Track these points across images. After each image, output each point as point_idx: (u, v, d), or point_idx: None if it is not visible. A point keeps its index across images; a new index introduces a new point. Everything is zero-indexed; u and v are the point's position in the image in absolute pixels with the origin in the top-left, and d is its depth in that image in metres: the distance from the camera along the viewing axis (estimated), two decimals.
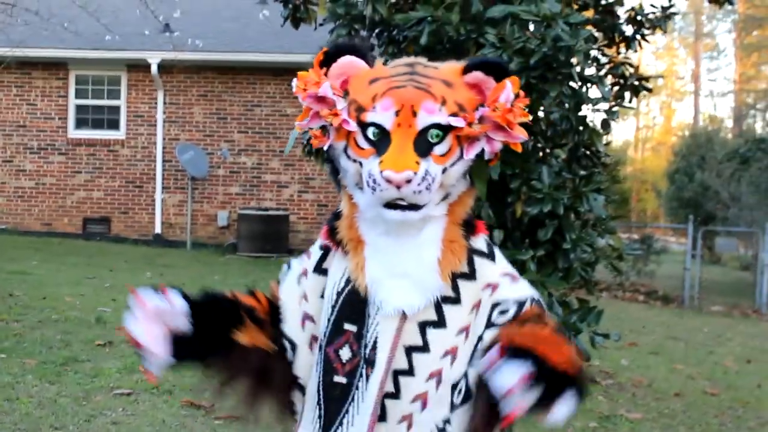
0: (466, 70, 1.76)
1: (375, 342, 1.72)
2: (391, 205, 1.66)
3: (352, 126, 1.69)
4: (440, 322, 1.74)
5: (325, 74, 1.73)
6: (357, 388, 1.73)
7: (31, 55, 14.75)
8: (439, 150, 1.68)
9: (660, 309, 14.07)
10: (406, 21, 5.95)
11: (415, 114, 1.66)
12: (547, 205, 5.74)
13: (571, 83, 5.90)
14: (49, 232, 15.74)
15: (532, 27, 5.79)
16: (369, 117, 1.68)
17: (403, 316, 1.72)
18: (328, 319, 1.77)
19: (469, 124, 1.69)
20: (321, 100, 1.70)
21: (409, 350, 1.73)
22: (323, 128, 1.75)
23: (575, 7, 6.41)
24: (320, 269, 1.85)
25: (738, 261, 24.20)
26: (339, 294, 1.76)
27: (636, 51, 7.00)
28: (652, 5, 7.09)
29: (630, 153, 47.27)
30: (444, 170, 1.69)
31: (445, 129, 1.68)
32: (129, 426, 4.55)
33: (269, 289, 1.92)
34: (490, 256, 1.83)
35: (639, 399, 6.31)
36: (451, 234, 1.77)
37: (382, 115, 1.67)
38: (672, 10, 7.07)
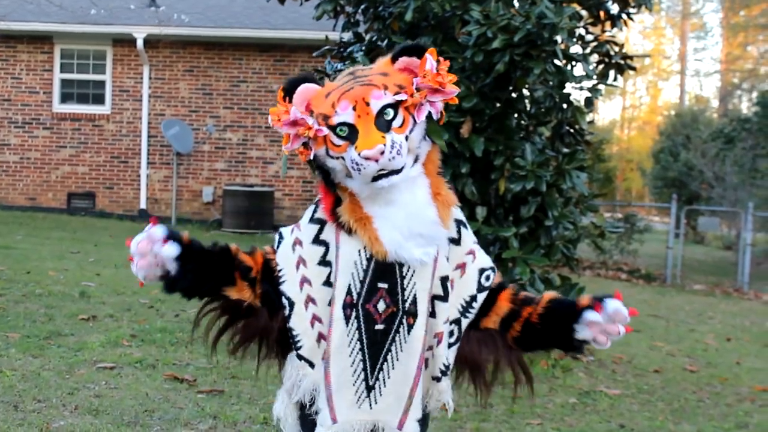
0: (394, 59, 2.14)
1: (414, 296, 2.13)
2: (376, 178, 2.04)
3: (325, 131, 2.07)
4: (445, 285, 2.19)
5: (290, 102, 2.12)
6: (397, 332, 2.13)
7: (15, 28, 14.69)
8: (396, 123, 2.07)
9: (642, 287, 14.15)
10: None
11: (367, 103, 2.05)
12: (530, 182, 5.77)
13: (555, 61, 5.91)
14: (33, 206, 15.70)
15: (516, 4, 5.80)
16: (335, 119, 2.06)
17: (433, 273, 2.14)
18: (362, 282, 2.12)
19: (411, 95, 2.07)
20: (294, 123, 2.09)
21: (433, 299, 2.17)
22: (305, 144, 2.12)
23: None
24: (319, 240, 2.20)
25: (721, 240, 24.33)
26: (369, 260, 2.11)
27: (621, 30, 7.00)
28: None
29: (616, 132, 47.36)
30: (406, 137, 2.07)
31: (395, 106, 2.07)
32: (112, 399, 4.57)
33: (264, 252, 2.25)
34: (465, 225, 2.27)
35: (619, 375, 6.37)
36: (436, 187, 2.16)
37: (344, 114, 2.05)
38: None
